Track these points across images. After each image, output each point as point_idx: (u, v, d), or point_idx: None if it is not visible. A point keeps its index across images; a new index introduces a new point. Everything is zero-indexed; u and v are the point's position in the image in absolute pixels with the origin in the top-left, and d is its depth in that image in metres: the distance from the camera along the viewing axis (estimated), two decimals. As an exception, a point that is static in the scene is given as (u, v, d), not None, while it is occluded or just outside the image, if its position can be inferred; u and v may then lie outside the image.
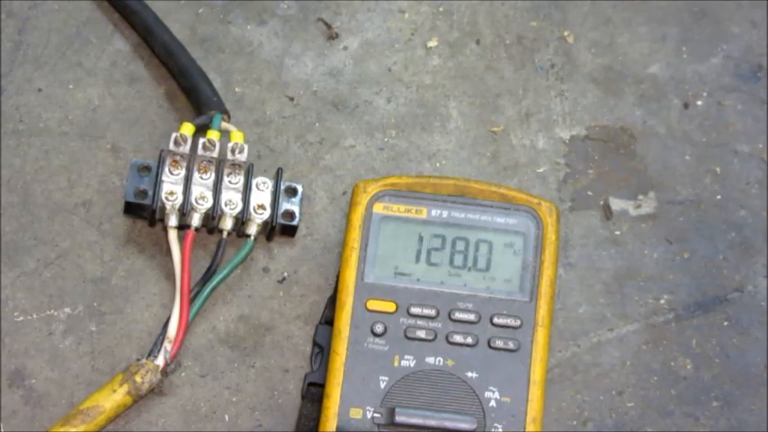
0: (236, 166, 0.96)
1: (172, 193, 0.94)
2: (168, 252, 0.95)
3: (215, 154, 0.96)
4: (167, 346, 0.92)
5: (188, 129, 0.97)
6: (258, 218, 0.96)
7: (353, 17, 1.08)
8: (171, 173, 0.95)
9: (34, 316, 0.95)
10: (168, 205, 0.94)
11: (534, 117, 1.06)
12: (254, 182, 0.97)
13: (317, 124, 1.04)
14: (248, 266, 0.98)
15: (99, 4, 1.06)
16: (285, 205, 0.98)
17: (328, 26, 1.07)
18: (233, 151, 0.96)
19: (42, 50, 1.03)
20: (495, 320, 0.90)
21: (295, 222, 0.97)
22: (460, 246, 0.92)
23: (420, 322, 0.90)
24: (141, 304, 0.96)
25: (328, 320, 0.94)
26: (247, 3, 1.07)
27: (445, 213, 0.93)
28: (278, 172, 0.98)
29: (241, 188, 0.96)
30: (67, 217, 0.98)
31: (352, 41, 1.07)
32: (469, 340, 0.90)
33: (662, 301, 1.00)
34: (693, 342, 0.99)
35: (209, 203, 0.95)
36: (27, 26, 1.04)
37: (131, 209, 0.96)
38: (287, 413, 0.94)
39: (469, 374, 0.89)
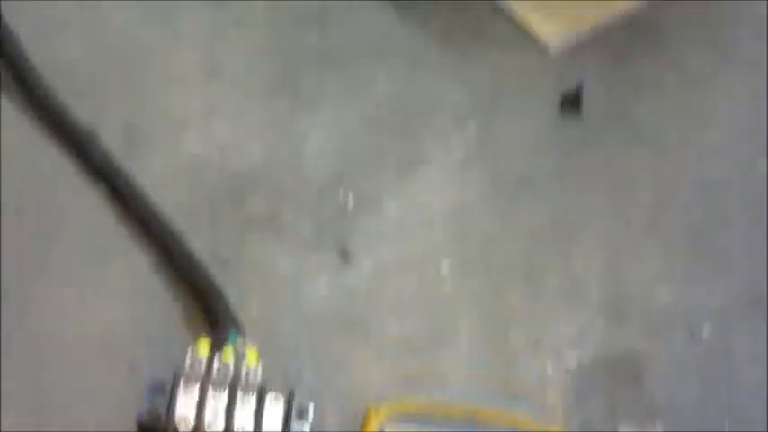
0: (249, 387, 0.97)
1: (185, 418, 0.95)
2: (179, 473, 0.95)
3: (229, 374, 0.97)
4: None
5: (204, 346, 0.98)
6: (269, 442, 0.96)
7: (367, 239, 1.10)
8: (184, 393, 0.96)
9: None
10: (181, 430, 0.95)
11: (543, 343, 1.07)
12: (266, 402, 0.97)
13: (330, 345, 1.05)
14: (258, 487, 0.98)
15: (121, 220, 1.08)
16: (296, 427, 0.98)
17: (343, 248, 1.10)
18: (246, 372, 0.97)
19: (66, 266, 1.06)
20: None
21: (306, 445, 0.98)
22: (470, 472, 0.93)
23: None
24: None
25: None
26: (264, 223, 1.10)
27: (456, 440, 0.93)
28: (290, 394, 0.98)
29: (253, 410, 0.97)
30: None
31: (366, 263, 1.09)
32: None
33: None
34: None
35: (220, 428, 0.95)
36: (52, 244, 1.07)
37: (144, 430, 0.97)
38: None
39: None
